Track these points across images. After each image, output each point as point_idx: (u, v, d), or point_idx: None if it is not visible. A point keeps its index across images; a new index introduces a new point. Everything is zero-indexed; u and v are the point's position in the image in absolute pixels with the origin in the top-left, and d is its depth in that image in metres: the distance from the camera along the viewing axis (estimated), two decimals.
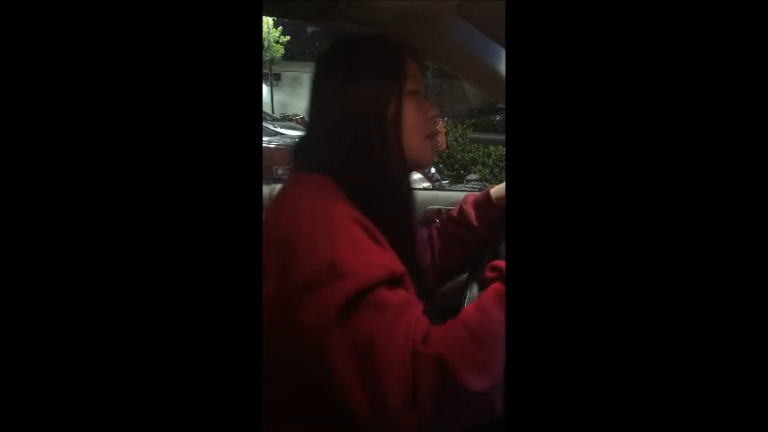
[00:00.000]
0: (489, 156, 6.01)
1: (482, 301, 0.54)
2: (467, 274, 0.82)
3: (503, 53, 0.98)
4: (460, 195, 1.32)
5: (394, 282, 0.55)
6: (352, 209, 0.59)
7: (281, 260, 0.54)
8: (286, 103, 15.22)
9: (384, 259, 0.55)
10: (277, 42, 13.22)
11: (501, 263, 0.59)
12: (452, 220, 0.87)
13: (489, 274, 0.59)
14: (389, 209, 0.65)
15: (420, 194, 1.39)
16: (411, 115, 0.67)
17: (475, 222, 0.84)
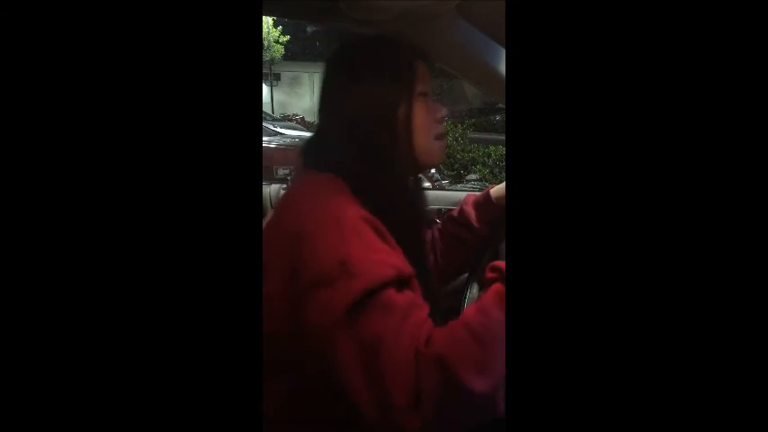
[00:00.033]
0: (489, 156, 6.00)
1: (483, 302, 0.54)
2: (466, 275, 0.82)
3: (503, 53, 0.98)
4: (460, 195, 1.32)
5: (402, 282, 0.55)
6: (362, 208, 0.59)
7: (291, 258, 0.55)
8: (285, 103, 15.22)
9: (393, 260, 0.56)
10: (277, 42, 13.21)
11: (501, 263, 0.59)
12: (453, 221, 0.87)
13: (489, 275, 0.59)
14: (399, 209, 0.65)
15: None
16: (421, 116, 0.68)
17: (475, 223, 0.84)
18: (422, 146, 0.68)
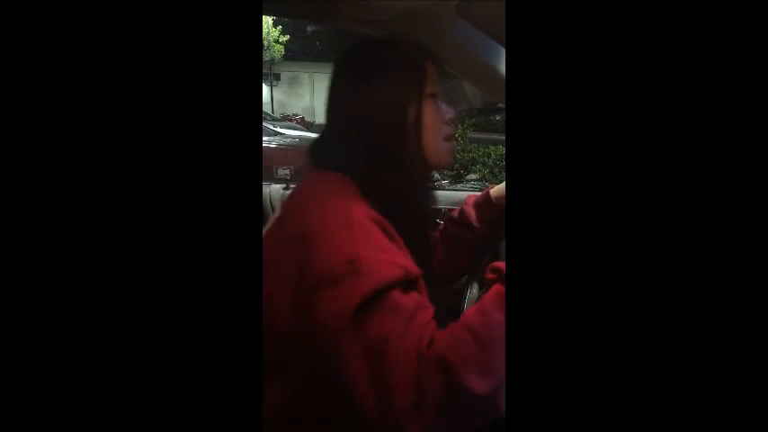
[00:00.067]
0: (489, 156, 6.00)
1: (483, 304, 0.54)
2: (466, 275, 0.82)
3: (503, 53, 0.98)
4: (461, 195, 1.32)
5: (409, 283, 0.55)
6: (371, 208, 0.59)
7: (298, 255, 0.55)
8: (285, 103, 15.22)
9: (401, 260, 0.56)
10: (277, 42, 13.21)
11: (501, 264, 0.59)
12: (453, 222, 0.87)
13: (490, 276, 0.59)
14: (407, 210, 0.65)
15: None
16: (430, 117, 0.68)
17: (475, 223, 0.84)
18: (431, 147, 0.68)
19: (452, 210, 0.90)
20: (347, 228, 0.54)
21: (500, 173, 5.82)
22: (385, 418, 0.49)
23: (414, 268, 0.56)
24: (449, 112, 0.71)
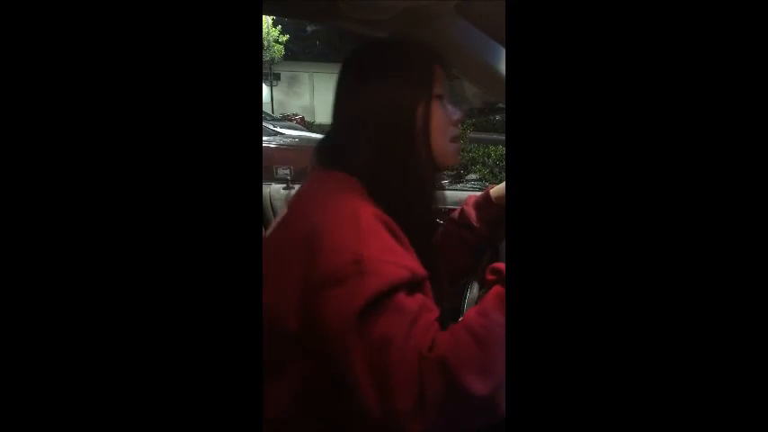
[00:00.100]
0: (489, 156, 6.01)
1: (483, 305, 0.54)
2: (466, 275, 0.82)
3: (503, 53, 0.98)
4: (461, 195, 1.32)
5: (415, 285, 0.55)
6: (377, 209, 0.59)
7: (304, 255, 0.55)
8: (285, 103, 15.21)
9: (407, 261, 0.56)
10: (277, 42, 13.20)
11: (501, 265, 0.59)
12: (453, 222, 0.87)
13: (490, 277, 0.59)
14: (414, 211, 0.65)
15: None
16: (438, 119, 0.68)
17: (475, 223, 0.84)
18: (438, 148, 0.68)
19: (453, 210, 0.90)
20: (353, 228, 0.54)
21: (500, 173, 5.81)
22: (386, 419, 0.49)
23: (420, 269, 0.56)
24: (456, 114, 0.71)
